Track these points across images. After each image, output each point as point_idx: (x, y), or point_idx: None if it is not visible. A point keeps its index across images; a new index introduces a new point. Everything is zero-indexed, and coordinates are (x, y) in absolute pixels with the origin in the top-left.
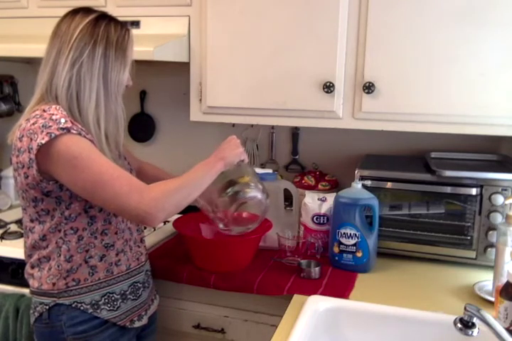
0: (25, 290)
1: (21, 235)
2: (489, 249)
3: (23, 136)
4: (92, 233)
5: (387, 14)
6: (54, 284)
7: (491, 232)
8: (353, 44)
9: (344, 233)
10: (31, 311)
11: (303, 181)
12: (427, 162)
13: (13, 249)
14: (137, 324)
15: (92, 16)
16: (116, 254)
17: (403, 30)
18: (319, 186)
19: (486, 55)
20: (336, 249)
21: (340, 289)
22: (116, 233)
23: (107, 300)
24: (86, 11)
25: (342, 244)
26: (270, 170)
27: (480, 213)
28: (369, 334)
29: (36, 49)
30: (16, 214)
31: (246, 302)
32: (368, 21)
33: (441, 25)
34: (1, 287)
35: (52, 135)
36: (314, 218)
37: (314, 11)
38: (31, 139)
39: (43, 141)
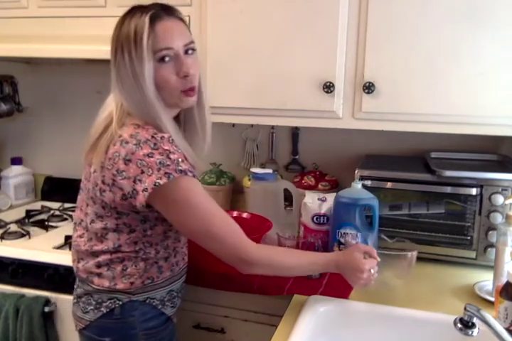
0: (25, 290)
1: (21, 235)
2: (489, 249)
3: (130, 160)
4: (166, 248)
5: (387, 14)
6: (132, 283)
7: (491, 232)
8: (353, 44)
9: (344, 233)
10: (91, 307)
11: (303, 181)
12: (427, 162)
13: (13, 249)
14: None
15: (123, 17)
16: (175, 255)
17: (403, 30)
18: (319, 186)
19: (486, 54)
20: (336, 249)
21: (340, 289)
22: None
23: (169, 298)
24: (129, 11)
25: (342, 244)
26: (270, 170)
27: (480, 213)
28: (369, 334)
29: (36, 49)
30: (16, 214)
31: (246, 302)
32: (368, 21)
33: (442, 25)
34: (1, 287)
35: (171, 177)
36: (314, 218)
37: (314, 11)
38: (143, 172)
39: (161, 182)
